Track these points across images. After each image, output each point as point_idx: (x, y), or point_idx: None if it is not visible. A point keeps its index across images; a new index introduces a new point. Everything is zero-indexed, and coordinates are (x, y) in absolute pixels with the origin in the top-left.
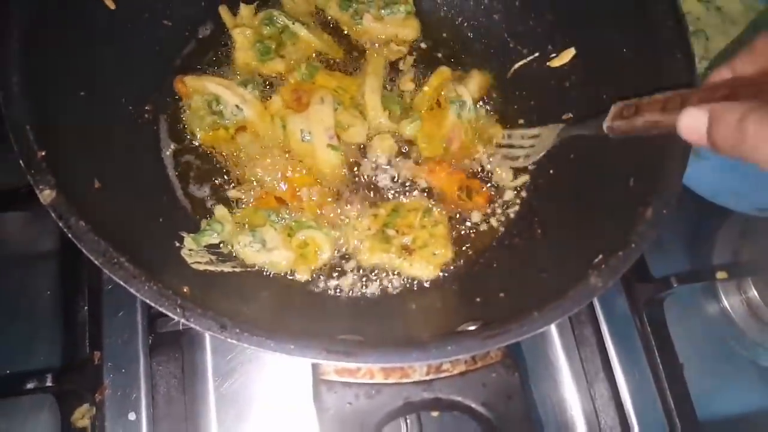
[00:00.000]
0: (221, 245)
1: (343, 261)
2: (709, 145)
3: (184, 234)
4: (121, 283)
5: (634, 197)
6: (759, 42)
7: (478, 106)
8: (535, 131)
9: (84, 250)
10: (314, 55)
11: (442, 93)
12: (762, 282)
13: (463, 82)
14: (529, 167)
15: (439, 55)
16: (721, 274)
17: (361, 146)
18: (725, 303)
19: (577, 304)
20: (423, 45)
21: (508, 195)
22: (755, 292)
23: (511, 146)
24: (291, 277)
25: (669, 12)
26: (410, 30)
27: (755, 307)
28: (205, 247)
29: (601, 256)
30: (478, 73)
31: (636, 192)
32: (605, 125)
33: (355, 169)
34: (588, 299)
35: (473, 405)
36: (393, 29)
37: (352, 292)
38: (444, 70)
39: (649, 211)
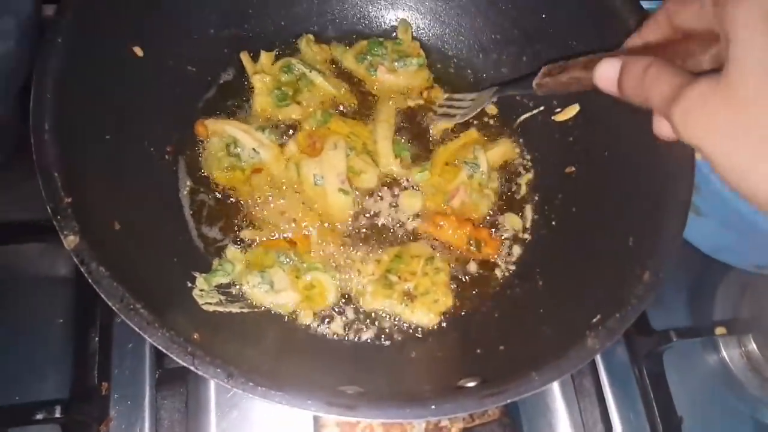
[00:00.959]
0: (231, 285)
1: (346, 305)
2: (618, 92)
3: (197, 274)
4: (136, 329)
5: (632, 257)
6: (660, 13)
7: (492, 173)
8: (473, 95)
9: (102, 296)
10: (330, 101)
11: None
12: (762, 336)
13: (487, 147)
14: (533, 217)
15: None
16: (720, 330)
17: (372, 193)
18: (725, 356)
19: (575, 366)
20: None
21: (512, 246)
22: (755, 347)
23: (450, 106)
24: (295, 319)
25: None
26: (422, 81)
27: (755, 362)
28: (215, 287)
29: (599, 317)
30: (506, 142)
31: (634, 252)
32: (534, 82)
33: (364, 214)
34: (585, 360)
35: None
36: (405, 81)
37: (354, 337)
38: (472, 133)
39: (647, 274)
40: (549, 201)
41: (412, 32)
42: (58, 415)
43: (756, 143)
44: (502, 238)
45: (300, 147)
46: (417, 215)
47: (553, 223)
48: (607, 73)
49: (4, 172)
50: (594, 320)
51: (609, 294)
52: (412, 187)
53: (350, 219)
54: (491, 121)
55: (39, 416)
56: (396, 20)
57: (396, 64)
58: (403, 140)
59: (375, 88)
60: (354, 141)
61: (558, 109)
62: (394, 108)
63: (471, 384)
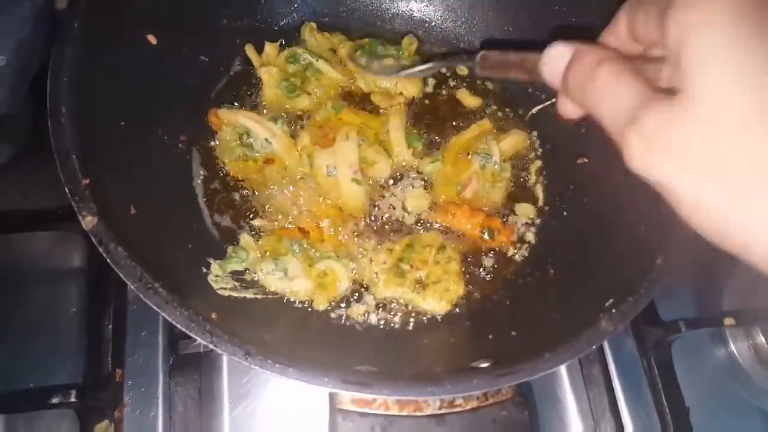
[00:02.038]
0: (245, 272)
1: (359, 292)
2: (562, 84)
3: (211, 260)
4: (155, 307)
5: (645, 244)
6: (619, 18)
7: (504, 163)
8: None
9: (121, 275)
10: (339, 90)
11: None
12: None
13: (499, 138)
14: (544, 207)
15: None
16: (728, 321)
17: (385, 182)
18: (733, 348)
19: (588, 347)
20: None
21: (524, 235)
22: (763, 339)
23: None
24: (309, 306)
25: None
26: (414, 90)
27: (763, 354)
28: (230, 273)
29: (611, 301)
30: (518, 133)
31: (648, 239)
32: (477, 71)
33: (377, 204)
34: (598, 342)
35: None
36: (397, 87)
37: (367, 324)
38: (485, 123)
39: (660, 259)
40: (560, 191)
41: (416, 48)
42: (73, 399)
43: (745, 184)
44: (516, 226)
45: (312, 138)
46: (432, 203)
47: (565, 213)
48: (554, 60)
49: (18, 163)
50: (607, 304)
51: (622, 279)
52: (423, 180)
53: (366, 207)
54: (503, 114)
55: (54, 400)
56: (409, 12)
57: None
58: (415, 131)
59: (363, 85)
60: (366, 131)
61: None
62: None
63: (484, 365)
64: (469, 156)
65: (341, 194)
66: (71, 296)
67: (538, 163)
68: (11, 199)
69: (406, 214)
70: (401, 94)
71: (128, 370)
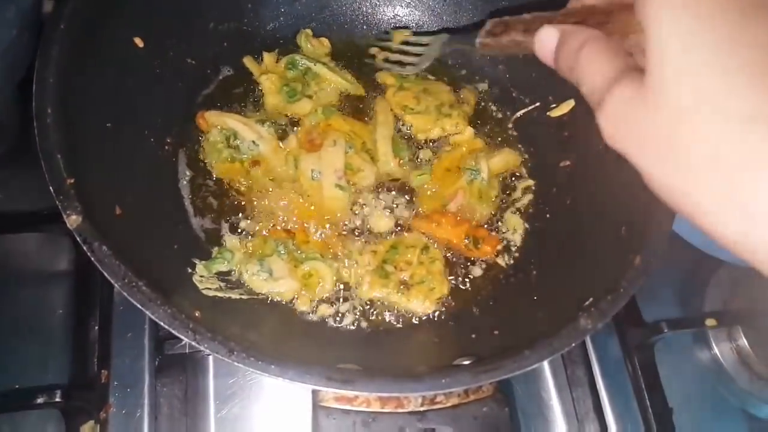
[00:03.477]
0: (231, 273)
1: (344, 293)
2: (555, 65)
3: (197, 261)
4: (138, 305)
5: (625, 245)
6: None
7: (492, 179)
8: (427, 39)
9: (105, 273)
10: (338, 93)
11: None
12: (752, 331)
13: (490, 155)
14: (529, 211)
15: None
16: (710, 322)
17: (370, 189)
18: (716, 350)
19: (567, 344)
20: None
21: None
22: (745, 342)
23: (403, 53)
24: (293, 307)
25: None
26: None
27: (745, 356)
28: (215, 274)
29: (591, 299)
30: (509, 152)
31: (627, 240)
32: (477, 41)
33: (362, 210)
34: (577, 340)
35: None
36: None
37: (351, 324)
38: (477, 142)
39: (638, 259)
40: (544, 194)
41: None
42: (58, 399)
43: (698, 169)
44: (500, 236)
45: (300, 142)
46: (416, 213)
47: (548, 215)
48: (545, 43)
49: (5, 165)
50: (586, 303)
51: (601, 279)
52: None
53: (345, 214)
54: (489, 119)
55: (40, 400)
56: (394, 16)
57: None
58: (402, 141)
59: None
60: (354, 139)
61: (553, 105)
62: (390, 110)
63: (466, 362)
64: (458, 171)
65: (324, 198)
66: (57, 298)
67: (525, 177)
68: None
69: (390, 223)
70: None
71: (114, 371)
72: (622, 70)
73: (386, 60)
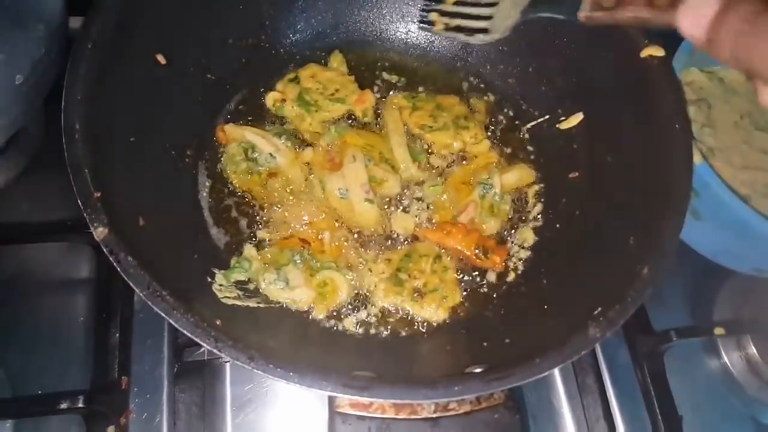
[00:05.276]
0: (249, 282)
1: (359, 302)
2: (706, 42)
3: (216, 270)
4: (162, 314)
5: (633, 255)
6: None
7: (505, 196)
8: None
9: (131, 283)
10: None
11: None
12: (761, 340)
13: (504, 170)
14: (539, 222)
15: None
16: (719, 330)
17: (393, 199)
18: (725, 359)
19: (576, 353)
20: None
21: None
22: (754, 350)
23: (464, 15)
24: (310, 315)
25: (669, 86)
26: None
27: (754, 364)
28: (233, 283)
29: (600, 309)
30: (524, 168)
31: (635, 250)
32: (581, 15)
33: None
34: (587, 348)
35: None
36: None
37: (366, 331)
38: (491, 155)
39: (646, 269)
40: (554, 205)
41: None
42: (80, 405)
43: None
44: (510, 247)
45: (320, 164)
46: (430, 219)
47: (558, 225)
48: (697, 12)
49: (28, 175)
50: (595, 312)
51: (610, 289)
52: (419, 200)
53: (379, 225)
54: (499, 131)
55: (63, 406)
56: (407, 32)
57: None
58: (417, 145)
59: None
60: (371, 151)
61: (563, 118)
62: (398, 114)
63: (477, 370)
64: (471, 184)
65: (356, 215)
66: (79, 306)
67: (535, 187)
68: (21, 210)
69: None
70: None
71: (134, 377)
72: None
73: (447, 27)
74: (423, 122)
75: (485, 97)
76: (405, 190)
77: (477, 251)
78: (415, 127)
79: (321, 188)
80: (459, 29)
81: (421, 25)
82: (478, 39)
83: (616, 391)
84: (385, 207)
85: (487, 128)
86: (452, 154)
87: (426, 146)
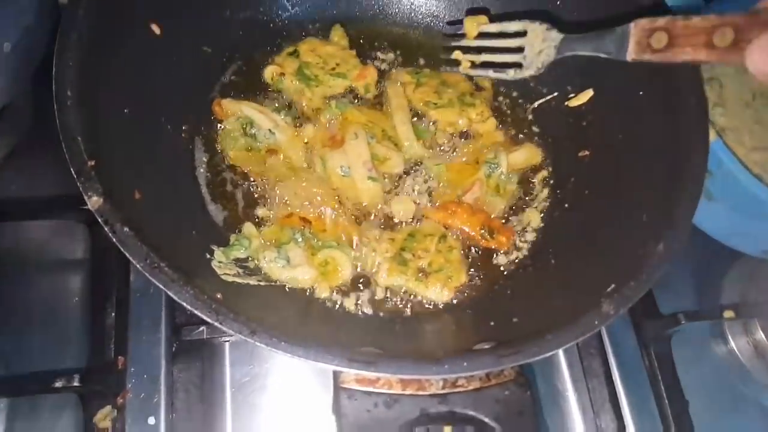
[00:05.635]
0: (248, 260)
1: (362, 281)
2: None
3: (215, 247)
4: (161, 286)
5: (646, 232)
6: None
7: (511, 175)
8: (516, 26)
9: (127, 254)
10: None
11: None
12: None
13: (510, 149)
14: (545, 203)
15: None
16: (728, 313)
17: (397, 177)
18: (732, 344)
19: (589, 329)
20: None
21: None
22: (762, 335)
23: (491, 50)
24: (311, 294)
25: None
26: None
27: (762, 350)
28: (233, 260)
29: (613, 286)
30: (531, 147)
31: (649, 227)
32: (629, 57)
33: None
34: (600, 325)
35: (486, 419)
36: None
37: (369, 311)
38: (497, 134)
39: (661, 246)
40: (562, 185)
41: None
42: (76, 384)
43: None
44: (516, 227)
45: (321, 141)
46: (430, 199)
47: (566, 205)
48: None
49: (20, 153)
50: (608, 289)
51: (623, 266)
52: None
53: (381, 204)
54: (506, 109)
55: (58, 384)
56: (410, 5)
57: None
58: (422, 124)
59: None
60: (373, 128)
61: (572, 95)
62: (402, 90)
63: (486, 347)
64: (477, 163)
65: (358, 192)
66: (74, 285)
67: (544, 173)
68: (13, 188)
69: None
70: None
71: (131, 357)
72: None
73: (474, 65)
74: (427, 98)
75: None
76: (411, 170)
77: (483, 231)
78: (419, 103)
79: (322, 166)
80: (487, 65)
81: (445, 67)
82: (511, 75)
83: (622, 375)
84: (388, 188)
85: (492, 108)
86: (456, 132)
87: (430, 124)
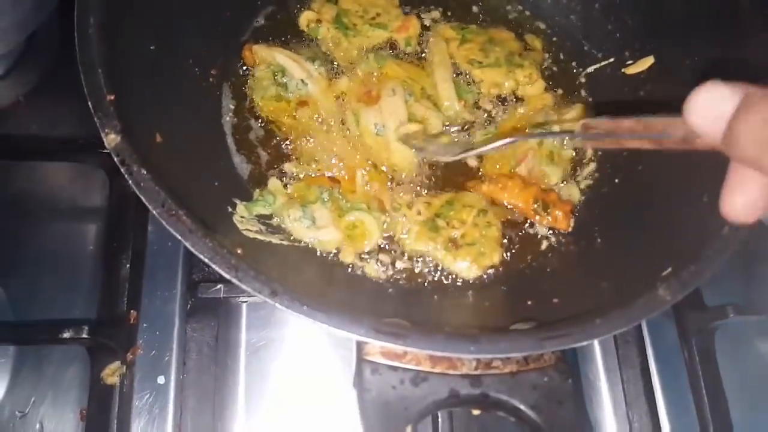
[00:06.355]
0: (272, 217)
1: (389, 246)
2: (724, 140)
3: (237, 201)
4: (177, 235)
5: (707, 213)
6: None
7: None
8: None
9: (143, 199)
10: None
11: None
12: None
13: (562, 112)
14: (591, 180)
15: None
16: None
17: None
18: None
19: (644, 315)
20: None
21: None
22: None
23: None
24: (336, 258)
25: (762, 27)
26: None
27: None
28: (256, 216)
29: (670, 269)
30: (580, 107)
31: (710, 208)
32: (577, 125)
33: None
34: (655, 311)
35: (521, 406)
36: None
37: (396, 280)
38: (546, 97)
39: (726, 229)
40: (612, 158)
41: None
42: (84, 335)
43: None
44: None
45: (355, 96)
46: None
47: (616, 180)
48: (711, 108)
49: (42, 91)
50: (664, 273)
51: (681, 249)
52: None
53: (414, 168)
54: (555, 71)
55: (65, 335)
56: None
57: None
58: (464, 82)
59: None
60: (412, 85)
61: (630, 61)
62: (445, 46)
63: (524, 327)
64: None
65: (391, 154)
66: (89, 234)
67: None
68: (34, 126)
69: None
70: None
71: (143, 312)
72: None
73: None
74: (472, 56)
75: (542, 34)
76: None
77: (536, 206)
78: (463, 61)
79: (355, 122)
80: None
81: None
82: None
83: (660, 368)
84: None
85: (542, 71)
86: (502, 95)
87: (474, 84)
